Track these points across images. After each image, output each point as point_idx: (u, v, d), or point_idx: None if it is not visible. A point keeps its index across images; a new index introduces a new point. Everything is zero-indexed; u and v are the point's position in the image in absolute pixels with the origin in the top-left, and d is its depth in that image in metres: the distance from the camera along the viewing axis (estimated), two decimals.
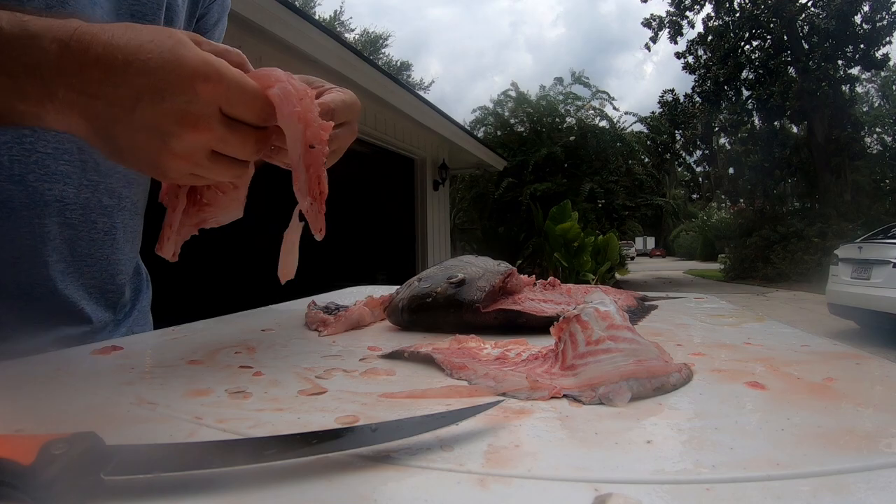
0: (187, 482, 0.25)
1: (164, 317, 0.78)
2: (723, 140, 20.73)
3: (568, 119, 14.74)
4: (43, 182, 0.56)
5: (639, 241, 39.63)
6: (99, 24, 0.38)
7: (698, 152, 20.04)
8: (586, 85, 14.97)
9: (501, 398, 0.36)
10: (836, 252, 6.42)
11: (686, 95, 18.16)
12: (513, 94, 15.04)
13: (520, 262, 12.27)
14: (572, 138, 13.87)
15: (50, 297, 0.60)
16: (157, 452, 0.27)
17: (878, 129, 22.29)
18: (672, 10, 17.69)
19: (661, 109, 18.37)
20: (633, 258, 29.93)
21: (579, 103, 14.85)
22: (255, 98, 0.39)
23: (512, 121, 14.84)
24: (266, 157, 0.49)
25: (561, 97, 14.98)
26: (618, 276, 12.75)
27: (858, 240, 6.47)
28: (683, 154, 19.69)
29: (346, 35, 28.45)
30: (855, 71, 16.42)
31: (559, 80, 15.28)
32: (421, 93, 10.14)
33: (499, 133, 14.51)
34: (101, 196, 0.63)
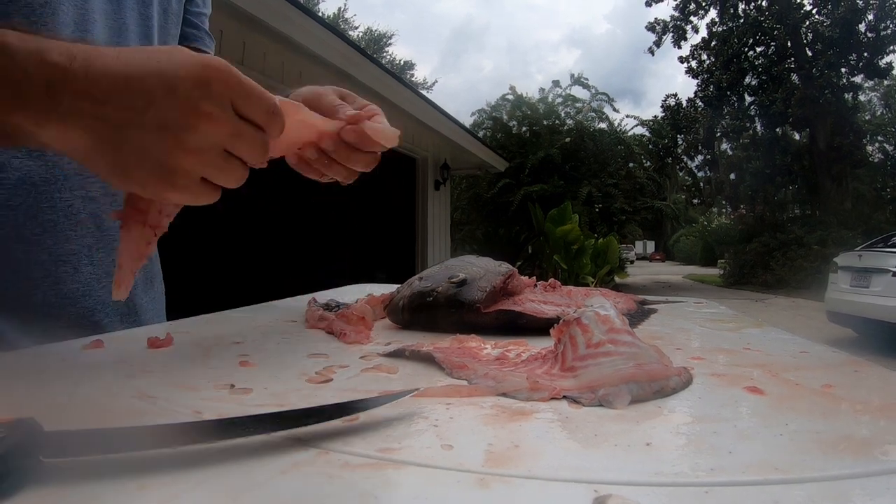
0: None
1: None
2: (725, 145, 20.71)
3: (568, 122, 14.72)
4: (61, 156, 0.56)
5: (639, 244, 39.63)
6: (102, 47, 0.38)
7: (700, 157, 20.02)
8: (585, 86, 14.95)
9: (416, 388, 0.36)
10: (835, 260, 6.42)
11: (689, 100, 18.18)
12: (510, 97, 15.02)
13: (519, 263, 12.26)
14: (568, 140, 13.80)
15: (75, 275, 0.60)
16: (95, 436, 0.28)
17: (879, 138, 22.30)
18: (676, 14, 17.70)
19: (663, 113, 18.38)
20: (632, 262, 29.90)
21: (578, 105, 14.83)
22: (262, 96, 0.40)
23: (511, 123, 14.81)
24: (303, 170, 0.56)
25: (560, 99, 14.96)
26: (617, 279, 12.73)
27: (858, 248, 6.47)
28: (685, 158, 19.68)
29: (350, 33, 28.43)
30: (858, 79, 16.39)
31: (556, 83, 15.27)
32: (424, 92, 10.14)
33: (498, 136, 14.48)
34: None
